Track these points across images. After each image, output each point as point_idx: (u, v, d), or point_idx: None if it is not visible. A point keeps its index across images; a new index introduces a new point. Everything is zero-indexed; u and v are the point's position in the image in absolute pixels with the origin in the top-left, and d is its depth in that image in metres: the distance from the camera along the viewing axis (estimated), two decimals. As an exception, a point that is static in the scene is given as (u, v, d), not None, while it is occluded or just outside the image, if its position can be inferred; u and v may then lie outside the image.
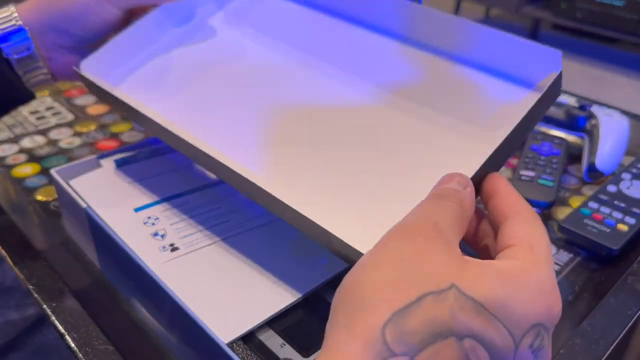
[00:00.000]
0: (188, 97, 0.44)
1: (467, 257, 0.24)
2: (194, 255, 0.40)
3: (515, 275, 0.24)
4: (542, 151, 0.60)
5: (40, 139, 0.66)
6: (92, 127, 0.69)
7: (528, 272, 0.24)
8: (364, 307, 0.22)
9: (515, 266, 0.24)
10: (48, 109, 0.72)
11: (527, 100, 0.35)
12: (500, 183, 0.28)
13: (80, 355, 0.39)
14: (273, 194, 0.32)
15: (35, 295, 0.44)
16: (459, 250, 0.24)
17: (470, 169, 0.28)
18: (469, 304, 0.21)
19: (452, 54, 0.39)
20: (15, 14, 0.44)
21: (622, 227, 0.49)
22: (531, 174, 0.56)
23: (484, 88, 0.37)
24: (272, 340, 0.35)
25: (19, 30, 0.44)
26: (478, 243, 0.31)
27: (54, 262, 0.47)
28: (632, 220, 0.50)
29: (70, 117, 0.71)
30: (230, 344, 0.34)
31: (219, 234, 0.42)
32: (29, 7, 0.45)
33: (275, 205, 0.33)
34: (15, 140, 0.66)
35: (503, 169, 0.62)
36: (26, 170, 0.60)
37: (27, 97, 0.47)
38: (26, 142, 0.65)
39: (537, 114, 0.34)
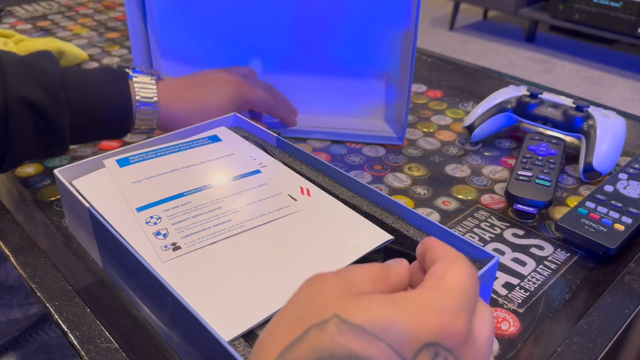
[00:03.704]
0: None
1: (366, 295, 0.25)
2: (196, 254, 0.40)
3: (401, 297, 0.24)
4: (540, 151, 0.60)
5: (41, 140, 0.66)
6: (94, 127, 0.69)
7: (420, 293, 0.25)
8: (262, 351, 0.24)
9: (410, 291, 0.25)
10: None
11: None
12: (430, 241, 0.29)
13: (83, 353, 0.39)
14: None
15: (38, 294, 0.44)
16: (358, 293, 0.25)
17: None
18: (348, 328, 0.22)
19: None
20: (155, 92, 0.58)
21: (619, 227, 0.50)
22: (528, 174, 0.56)
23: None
24: (273, 338, 0.36)
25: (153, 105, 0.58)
26: None
27: (56, 261, 0.47)
28: (628, 220, 0.50)
29: (71, 117, 0.71)
30: (232, 342, 0.34)
31: (220, 233, 0.42)
32: (166, 96, 0.59)
33: None
34: (16, 140, 0.66)
35: (500, 168, 0.63)
36: (29, 170, 0.61)
37: (121, 135, 0.59)
38: (28, 143, 0.66)
39: None
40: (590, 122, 0.62)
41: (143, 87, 0.57)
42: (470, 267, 0.27)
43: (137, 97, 0.56)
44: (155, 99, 0.57)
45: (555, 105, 0.65)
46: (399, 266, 0.29)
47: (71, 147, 0.58)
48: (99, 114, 0.55)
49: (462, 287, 0.25)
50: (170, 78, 0.62)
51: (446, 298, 0.24)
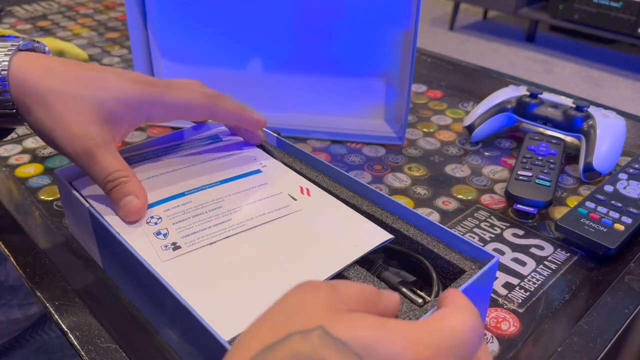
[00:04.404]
0: None
1: (355, 312, 0.25)
2: (196, 254, 0.40)
3: (394, 324, 0.24)
4: (540, 151, 0.60)
5: (42, 140, 0.66)
6: (94, 127, 0.69)
7: (414, 325, 0.25)
8: (241, 345, 0.24)
9: (405, 321, 0.25)
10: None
11: None
12: (452, 290, 0.29)
13: (83, 353, 0.39)
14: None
15: (38, 294, 0.44)
16: (347, 309, 0.26)
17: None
18: (331, 342, 0.23)
19: None
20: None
21: (619, 227, 0.50)
22: (528, 174, 0.56)
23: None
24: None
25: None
26: None
27: (56, 261, 0.47)
28: (628, 220, 0.50)
29: (71, 117, 0.71)
30: (232, 342, 0.34)
31: (220, 232, 0.42)
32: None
33: None
34: (18, 140, 0.66)
35: (500, 168, 0.63)
36: (29, 170, 0.61)
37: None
38: (29, 143, 0.66)
39: None
40: (590, 122, 0.62)
41: None
42: (476, 321, 0.26)
43: None
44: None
45: (555, 105, 0.65)
46: (391, 296, 0.29)
47: None
48: None
49: (458, 333, 0.25)
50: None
51: (438, 337, 0.24)
